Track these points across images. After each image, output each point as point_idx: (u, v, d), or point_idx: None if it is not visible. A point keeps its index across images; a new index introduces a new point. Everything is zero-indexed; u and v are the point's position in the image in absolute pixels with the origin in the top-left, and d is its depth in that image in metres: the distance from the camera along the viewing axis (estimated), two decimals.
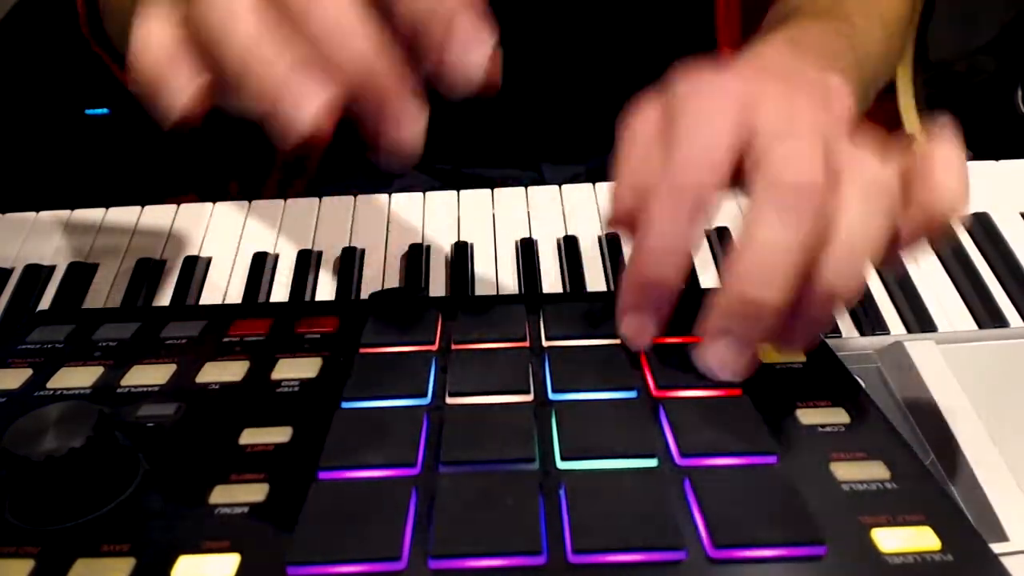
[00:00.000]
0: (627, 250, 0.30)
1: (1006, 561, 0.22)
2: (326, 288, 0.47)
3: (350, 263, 0.48)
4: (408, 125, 0.26)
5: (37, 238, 0.51)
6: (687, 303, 0.29)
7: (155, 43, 0.26)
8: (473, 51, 0.25)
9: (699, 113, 0.28)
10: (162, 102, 0.25)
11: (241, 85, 0.25)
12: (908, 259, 0.30)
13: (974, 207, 0.50)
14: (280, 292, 0.47)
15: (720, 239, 0.49)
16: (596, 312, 0.34)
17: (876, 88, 0.52)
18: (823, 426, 0.28)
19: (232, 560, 0.22)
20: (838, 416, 0.28)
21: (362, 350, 0.32)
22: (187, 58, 0.26)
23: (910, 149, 0.29)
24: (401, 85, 0.25)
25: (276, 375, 0.31)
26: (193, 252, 0.50)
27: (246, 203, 0.53)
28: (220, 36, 0.25)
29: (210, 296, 0.47)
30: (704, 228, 0.28)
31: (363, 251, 0.49)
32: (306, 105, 0.24)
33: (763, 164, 0.27)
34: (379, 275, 0.48)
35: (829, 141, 0.29)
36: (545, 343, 0.32)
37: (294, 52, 0.24)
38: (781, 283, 0.26)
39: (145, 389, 0.30)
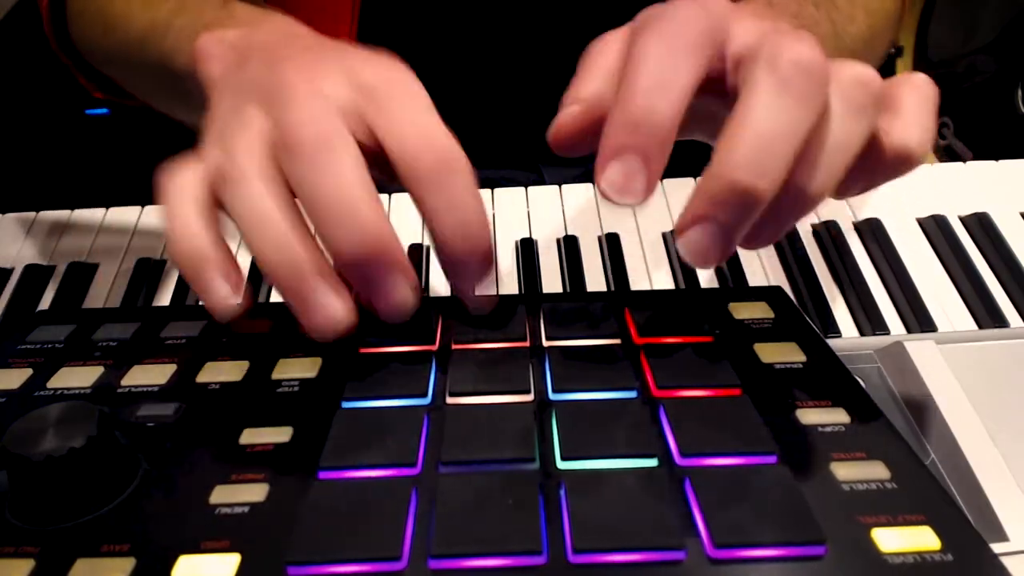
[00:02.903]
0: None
1: (1006, 561, 0.22)
2: None
3: None
4: (403, 291, 0.28)
5: (37, 238, 0.51)
6: (687, 303, 0.29)
7: (190, 234, 0.28)
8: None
9: (667, 15, 0.27)
10: (207, 301, 0.28)
11: (272, 276, 0.27)
12: (864, 190, 0.29)
13: (974, 207, 0.50)
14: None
15: None
16: (596, 312, 0.34)
17: None
18: (823, 426, 0.28)
19: (232, 560, 0.22)
20: (838, 416, 0.28)
21: (362, 350, 0.32)
22: (220, 257, 0.28)
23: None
24: (400, 255, 0.27)
25: (276, 375, 0.31)
26: None
27: None
28: (251, 234, 0.27)
29: None
30: (700, 78, 0.26)
31: None
32: (333, 312, 0.27)
33: (762, 49, 0.25)
34: None
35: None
36: (545, 343, 0.32)
37: (314, 249, 0.27)
38: (778, 172, 0.24)
39: (145, 389, 0.30)
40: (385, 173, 0.29)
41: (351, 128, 0.27)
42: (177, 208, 0.28)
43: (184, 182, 0.29)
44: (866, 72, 0.26)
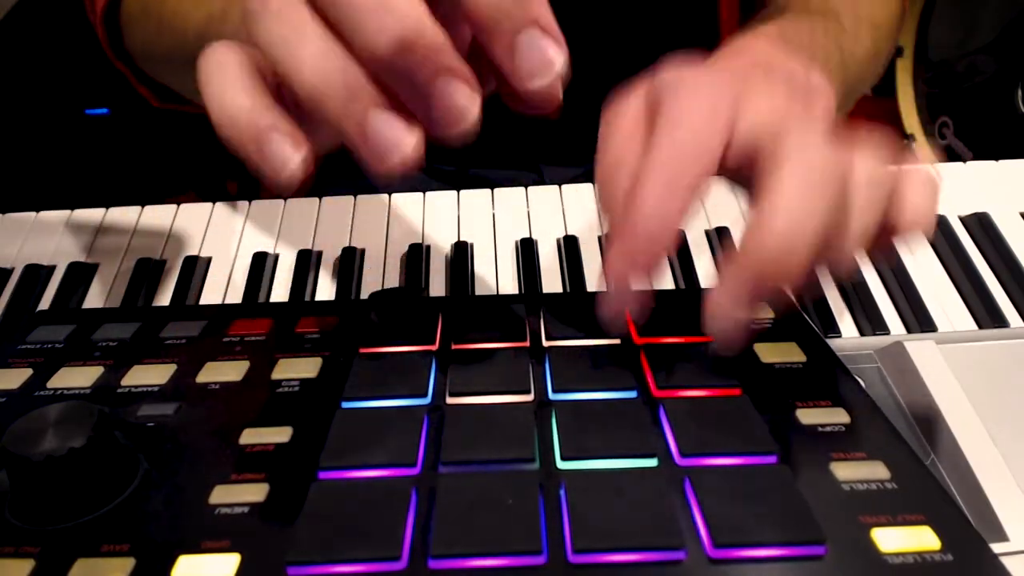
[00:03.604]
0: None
1: (1006, 561, 0.22)
2: (326, 288, 0.47)
3: (350, 263, 0.48)
4: (458, 92, 0.24)
5: (37, 238, 0.51)
6: (687, 303, 0.29)
7: (241, 107, 0.25)
8: (546, 69, 0.25)
9: (691, 98, 0.28)
10: (272, 173, 0.25)
11: (322, 116, 0.24)
12: (865, 263, 0.31)
13: (974, 207, 0.50)
14: (280, 292, 0.47)
15: (720, 239, 0.49)
16: (596, 312, 0.34)
17: (860, 90, 0.52)
18: (823, 426, 0.28)
19: (232, 560, 0.22)
20: (838, 416, 0.28)
21: (362, 350, 0.32)
22: (277, 119, 0.25)
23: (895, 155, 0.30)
24: (446, 47, 0.24)
25: (276, 375, 0.31)
26: (193, 252, 0.50)
27: (246, 203, 0.53)
28: (288, 65, 0.24)
29: (210, 296, 0.47)
30: (695, 213, 0.28)
31: (363, 251, 0.49)
32: (399, 134, 0.24)
33: (783, 149, 0.27)
34: (379, 275, 0.48)
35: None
36: (545, 343, 0.32)
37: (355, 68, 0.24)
38: (804, 255, 0.26)
39: (145, 389, 0.30)
40: None
41: None
42: (216, 75, 0.26)
43: (222, 53, 0.26)
44: (879, 169, 0.28)
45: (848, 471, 0.25)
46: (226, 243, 0.50)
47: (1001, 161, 0.54)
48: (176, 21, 0.46)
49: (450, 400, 0.29)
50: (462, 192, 0.53)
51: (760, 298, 0.27)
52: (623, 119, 0.30)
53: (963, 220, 0.50)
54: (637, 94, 0.31)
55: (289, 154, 0.25)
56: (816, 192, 0.26)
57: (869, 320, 0.44)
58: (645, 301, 0.28)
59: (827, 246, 0.27)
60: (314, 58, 0.24)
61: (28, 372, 0.31)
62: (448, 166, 0.67)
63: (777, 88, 0.30)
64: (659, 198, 0.27)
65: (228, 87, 0.26)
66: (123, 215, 0.53)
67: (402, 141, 0.24)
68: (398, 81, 0.24)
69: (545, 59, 0.25)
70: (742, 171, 0.28)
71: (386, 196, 0.53)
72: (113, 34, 0.55)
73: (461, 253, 0.49)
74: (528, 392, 0.29)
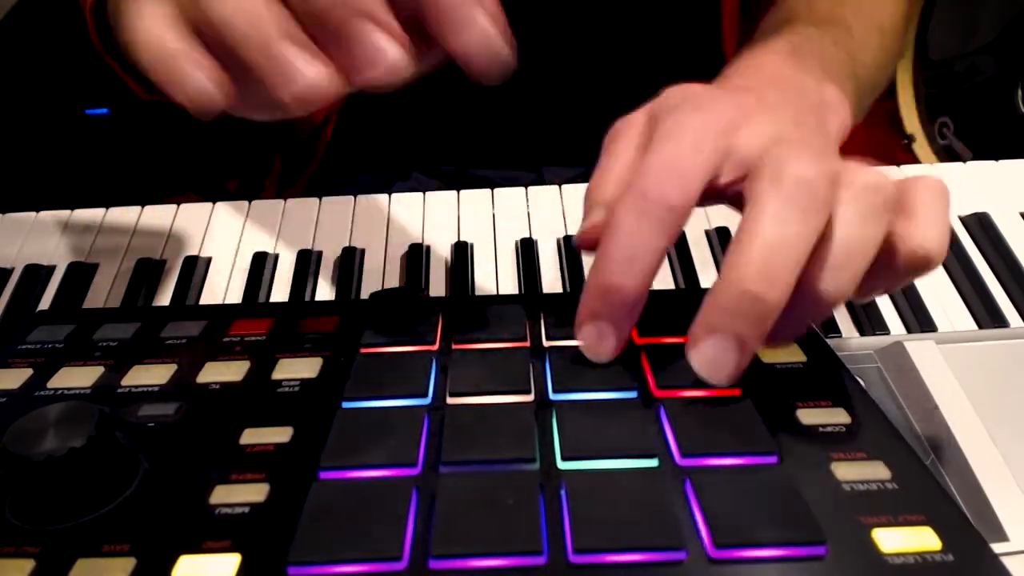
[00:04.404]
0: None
1: (1006, 561, 0.22)
2: (326, 288, 0.47)
3: (350, 263, 0.48)
4: (381, 42, 0.26)
5: (37, 238, 0.51)
6: (687, 303, 0.29)
7: (159, 35, 0.26)
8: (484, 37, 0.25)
9: (679, 127, 0.28)
10: (184, 96, 0.26)
11: (247, 57, 0.25)
12: (879, 293, 0.30)
13: (974, 207, 0.50)
14: (280, 292, 0.47)
15: (720, 239, 0.49)
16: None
17: (872, 97, 0.52)
18: (823, 426, 0.28)
19: (232, 560, 0.22)
20: (838, 416, 0.28)
21: (362, 350, 0.32)
22: (191, 47, 0.26)
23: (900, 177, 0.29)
24: None
25: (276, 375, 0.31)
26: (193, 252, 0.50)
27: (246, 203, 0.53)
28: (220, 18, 0.25)
29: (210, 296, 0.47)
30: (673, 242, 0.28)
31: (363, 251, 0.49)
32: (314, 74, 0.25)
33: (766, 166, 0.27)
34: (379, 275, 0.48)
35: (820, 149, 0.29)
36: (545, 343, 0.32)
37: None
38: (785, 280, 0.25)
39: (145, 389, 0.30)
40: None
41: None
42: (145, 20, 0.27)
43: (148, 12, 0.27)
44: (878, 177, 0.27)
45: (848, 471, 0.25)
46: (226, 243, 0.50)
47: (1001, 161, 0.54)
48: None
49: (450, 400, 0.29)
50: (462, 192, 0.53)
51: (750, 336, 0.26)
52: (622, 141, 0.31)
53: (963, 220, 0.50)
54: (639, 117, 0.31)
55: (199, 77, 0.26)
56: (795, 217, 0.26)
57: (869, 320, 0.44)
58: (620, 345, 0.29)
59: (824, 269, 0.26)
60: (234, 4, 0.25)
61: (28, 372, 0.31)
62: (448, 166, 0.67)
63: (783, 112, 0.30)
64: (631, 225, 0.27)
65: (147, 17, 0.27)
66: (123, 215, 0.53)
67: (306, 68, 0.25)
68: (316, 25, 0.26)
69: (487, 33, 0.26)
70: (741, 198, 0.28)
71: (386, 196, 0.53)
72: (103, 26, 0.55)
73: (461, 253, 0.49)
74: (528, 392, 0.29)
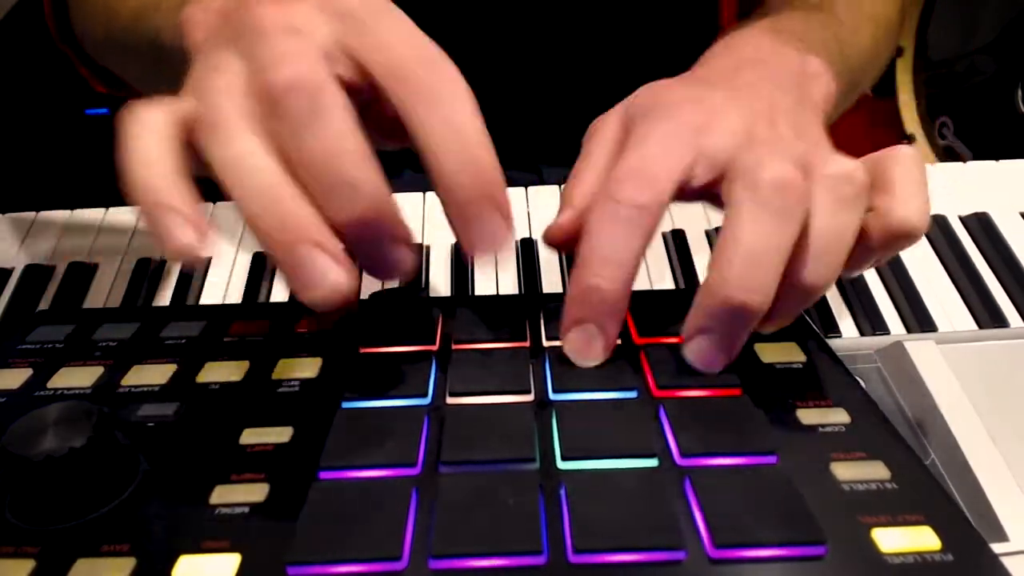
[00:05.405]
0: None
1: (1006, 561, 0.22)
2: None
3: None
4: (401, 255, 0.27)
5: (37, 238, 0.51)
6: (687, 303, 0.29)
7: (153, 165, 0.25)
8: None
9: (649, 134, 0.29)
10: (162, 240, 0.25)
11: (257, 232, 0.25)
12: (868, 268, 0.31)
13: (974, 207, 0.50)
14: (280, 292, 0.47)
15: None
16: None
17: (863, 83, 0.52)
18: (823, 426, 0.28)
19: (232, 560, 0.22)
20: (838, 416, 0.28)
21: (362, 350, 0.32)
22: (189, 191, 0.25)
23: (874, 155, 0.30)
24: (399, 221, 0.26)
25: (276, 375, 0.31)
26: None
27: None
28: (235, 182, 0.25)
29: (210, 296, 0.47)
30: (650, 241, 0.28)
31: None
32: (334, 279, 0.25)
33: (736, 170, 0.27)
34: None
35: (792, 140, 0.29)
36: (545, 343, 0.32)
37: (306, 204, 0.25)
38: (767, 285, 0.26)
39: (145, 389, 0.30)
40: (378, 127, 0.27)
41: (332, 67, 0.25)
42: (138, 140, 0.25)
43: (150, 118, 0.25)
44: (848, 166, 0.28)
45: (848, 471, 0.25)
46: (226, 243, 0.50)
47: (1001, 161, 0.54)
48: (115, 4, 0.46)
49: (450, 400, 0.29)
50: None
51: (735, 332, 0.27)
52: (595, 143, 0.31)
53: (963, 220, 0.50)
54: (614, 118, 0.32)
55: (184, 237, 0.24)
56: (773, 222, 0.26)
57: (869, 320, 0.44)
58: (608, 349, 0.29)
59: (806, 261, 0.27)
60: (260, 197, 0.25)
61: (28, 372, 0.31)
62: None
63: (758, 95, 0.30)
64: (604, 228, 0.27)
65: (144, 144, 0.25)
66: (123, 215, 0.53)
67: (341, 288, 0.25)
68: (347, 238, 0.26)
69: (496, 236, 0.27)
70: (719, 196, 0.29)
71: None
72: (61, 16, 0.55)
73: (461, 253, 0.49)
74: (528, 392, 0.29)
